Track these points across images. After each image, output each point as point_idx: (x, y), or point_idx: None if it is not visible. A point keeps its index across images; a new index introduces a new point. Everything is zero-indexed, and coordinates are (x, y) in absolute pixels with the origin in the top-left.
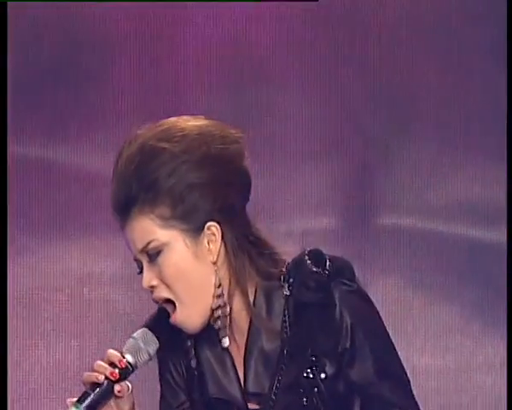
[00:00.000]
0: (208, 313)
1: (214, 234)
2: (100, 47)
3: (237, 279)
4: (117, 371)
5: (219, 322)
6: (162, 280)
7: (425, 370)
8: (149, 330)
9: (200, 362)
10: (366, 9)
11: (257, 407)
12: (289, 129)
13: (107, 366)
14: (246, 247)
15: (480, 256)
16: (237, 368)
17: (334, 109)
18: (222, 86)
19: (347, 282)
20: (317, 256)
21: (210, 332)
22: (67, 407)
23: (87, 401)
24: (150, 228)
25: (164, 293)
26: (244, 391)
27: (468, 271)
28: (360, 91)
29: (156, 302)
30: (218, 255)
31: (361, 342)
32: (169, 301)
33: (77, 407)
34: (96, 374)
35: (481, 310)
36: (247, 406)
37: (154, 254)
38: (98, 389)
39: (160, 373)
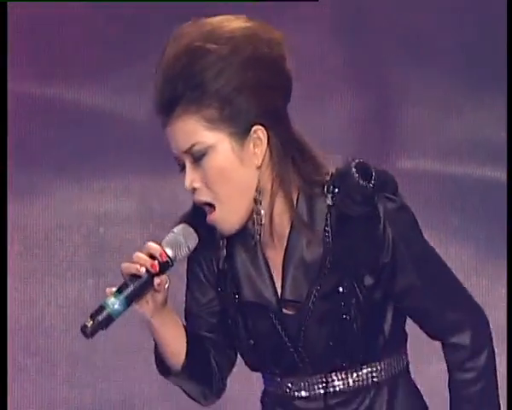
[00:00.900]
0: (247, 216)
1: (260, 138)
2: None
3: (280, 183)
4: (156, 263)
5: (255, 227)
6: (205, 182)
7: None
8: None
9: (234, 265)
10: None
11: (292, 313)
12: (304, 63)
13: (147, 258)
14: (290, 151)
15: (496, 197)
16: (274, 273)
17: (354, 51)
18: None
19: (391, 196)
20: (363, 169)
21: (246, 236)
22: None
23: (126, 292)
24: (196, 130)
25: (205, 196)
26: (281, 297)
27: (483, 212)
28: (377, 34)
29: (195, 204)
30: (262, 160)
31: (402, 255)
32: (208, 203)
33: (116, 297)
34: (137, 266)
35: (496, 251)
36: (281, 311)
37: (198, 156)
38: (138, 281)
39: (188, 269)
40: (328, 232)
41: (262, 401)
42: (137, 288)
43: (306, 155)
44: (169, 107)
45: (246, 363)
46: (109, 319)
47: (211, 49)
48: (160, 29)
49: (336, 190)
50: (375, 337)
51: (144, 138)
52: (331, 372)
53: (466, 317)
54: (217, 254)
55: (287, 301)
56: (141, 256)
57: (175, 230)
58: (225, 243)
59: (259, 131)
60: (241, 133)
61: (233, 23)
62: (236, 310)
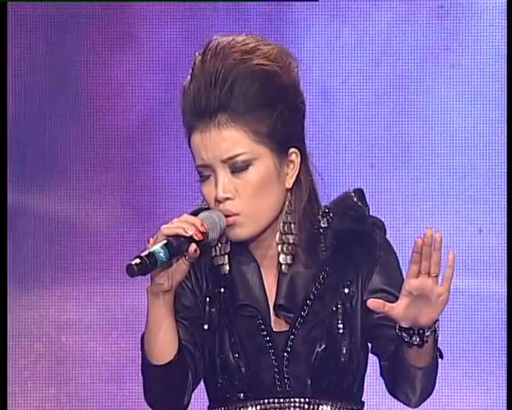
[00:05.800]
0: (262, 230)
1: (294, 161)
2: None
3: (300, 207)
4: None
5: (286, 249)
6: (239, 193)
7: None
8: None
9: (233, 271)
10: None
11: (284, 328)
12: None
13: (191, 225)
14: (309, 179)
15: None
16: (269, 283)
17: None
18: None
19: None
20: (362, 195)
21: (246, 246)
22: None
23: (171, 247)
24: (243, 140)
25: (234, 207)
26: (274, 304)
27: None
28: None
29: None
30: (294, 183)
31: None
32: (235, 214)
33: (162, 248)
34: (184, 228)
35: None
36: (272, 329)
37: (240, 167)
38: (180, 241)
39: None
40: (323, 250)
41: None
42: (179, 246)
43: (313, 186)
44: (213, 113)
45: (212, 389)
46: (154, 265)
47: (276, 71)
48: None
49: (331, 213)
50: (355, 374)
51: (104, 246)
52: (305, 398)
53: None
54: (212, 260)
55: (279, 307)
56: (189, 221)
57: (207, 211)
58: (228, 249)
59: (294, 155)
60: (282, 153)
61: (266, 45)
62: (225, 323)
